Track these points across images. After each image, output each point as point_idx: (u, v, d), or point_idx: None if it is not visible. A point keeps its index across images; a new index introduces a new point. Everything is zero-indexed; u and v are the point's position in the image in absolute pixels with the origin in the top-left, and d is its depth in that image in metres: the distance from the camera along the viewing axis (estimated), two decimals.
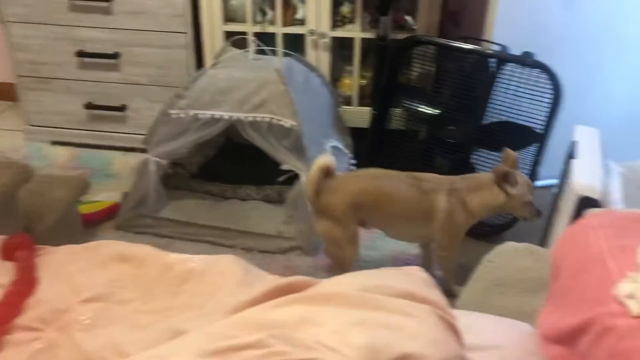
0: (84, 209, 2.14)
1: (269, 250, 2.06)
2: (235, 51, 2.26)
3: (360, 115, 2.55)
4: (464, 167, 2.21)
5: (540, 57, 2.09)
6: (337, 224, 1.72)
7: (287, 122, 1.99)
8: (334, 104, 2.44)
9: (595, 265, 0.78)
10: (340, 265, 1.83)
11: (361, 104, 2.60)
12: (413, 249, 2.10)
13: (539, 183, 2.22)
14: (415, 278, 0.83)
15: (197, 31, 2.50)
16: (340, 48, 2.63)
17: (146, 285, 0.99)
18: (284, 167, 2.01)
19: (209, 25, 2.46)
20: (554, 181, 2.49)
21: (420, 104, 2.25)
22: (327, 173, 1.72)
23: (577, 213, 1.27)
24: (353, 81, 2.55)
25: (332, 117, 2.40)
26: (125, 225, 2.15)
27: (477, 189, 1.74)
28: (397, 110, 2.39)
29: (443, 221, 1.73)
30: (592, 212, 0.94)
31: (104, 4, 2.43)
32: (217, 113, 2.04)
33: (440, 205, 1.72)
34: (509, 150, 1.78)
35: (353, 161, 2.38)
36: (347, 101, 2.61)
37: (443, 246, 1.82)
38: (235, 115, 2.03)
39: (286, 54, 2.36)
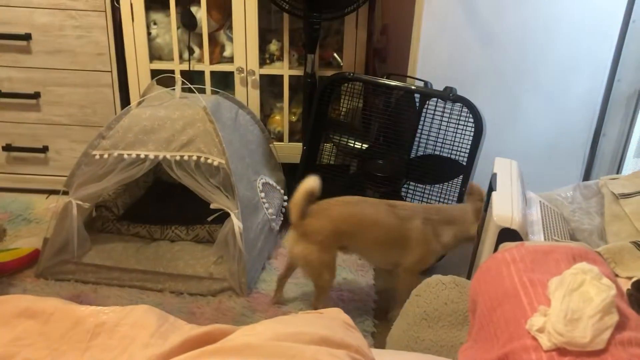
0: (1, 257, 2.02)
1: (200, 293, 2.00)
2: (161, 90, 2.22)
3: (292, 151, 2.56)
4: (394, 199, 2.24)
5: (463, 92, 2.17)
6: (318, 249, 1.72)
7: (215, 160, 1.95)
8: (265, 141, 2.43)
9: (509, 300, 0.79)
10: (318, 290, 1.83)
11: (292, 140, 2.61)
12: (347, 284, 2.09)
13: None
14: (334, 321, 0.81)
15: (124, 69, 2.45)
16: (270, 85, 2.65)
17: (54, 342, 0.92)
18: (213, 206, 1.97)
19: (134, 64, 2.42)
20: None
21: (350, 139, 2.28)
22: (310, 197, 1.72)
23: (498, 244, 1.30)
24: (283, 117, 2.56)
25: (263, 154, 2.39)
26: (46, 272, 2.04)
27: (451, 223, 1.78)
28: (328, 145, 2.41)
29: (417, 248, 1.76)
30: (505, 246, 0.96)
31: (22, 43, 2.35)
32: (143, 153, 1.98)
33: (415, 232, 1.75)
34: (473, 184, 1.86)
35: (285, 197, 2.37)
36: (279, 137, 2.61)
37: (412, 271, 1.80)
38: (162, 154, 1.98)
39: (214, 92, 2.34)
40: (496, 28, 2.29)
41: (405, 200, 2.24)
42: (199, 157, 1.96)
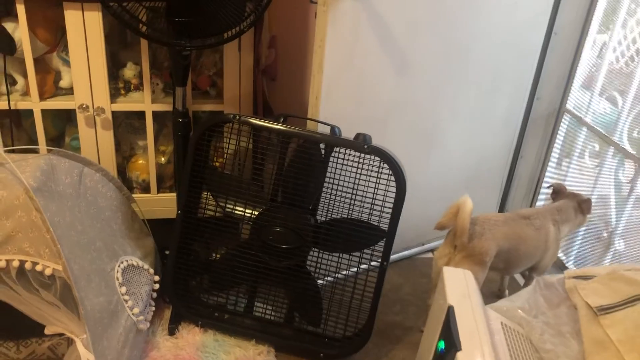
0: None
1: None
2: None
3: (163, 204, 2.01)
4: (298, 275, 1.78)
5: (374, 129, 1.73)
6: (482, 269, 1.73)
7: (48, 266, 1.36)
8: (124, 202, 1.83)
9: None
10: None
11: (162, 189, 2.04)
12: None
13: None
14: None
15: None
16: (129, 116, 2.04)
17: None
18: (49, 330, 1.39)
19: None
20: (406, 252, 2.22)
21: (238, 204, 1.75)
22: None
23: None
24: (149, 161, 1.97)
25: (122, 221, 1.80)
26: None
27: (566, 221, 1.92)
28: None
29: (552, 249, 1.90)
30: None
31: None
32: None
33: (552, 236, 1.88)
34: (555, 185, 2.02)
35: (157, 278, 1.81)
36: (144, 187, 2.03)
37: (546, 268, 1.93)
38: None
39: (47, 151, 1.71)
40: (411, 53, 1.86)
41: (310, 275, 1.79)
42: (22, 262, 1.36)
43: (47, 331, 1.39)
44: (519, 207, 2.51)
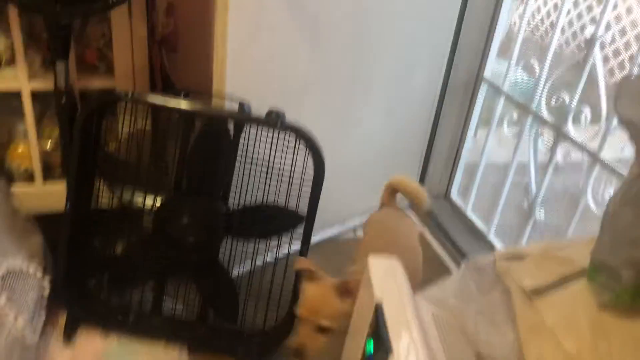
0: None
1: None
2: None
3: (52, 196, 1.75)
4: (210, 269, 1.61)
5: (287, 107, 1.56)
6: None
7: None
8: (2, 198, 1.58)
9: None
10: None
11: (50, 178, 1.78)
12: None
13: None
14: None
15: None
16: (4, 98, 1.76)
17: None
18: None
19: None
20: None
21: (136, 192, 1.55)
22: None
23: None
24: (31, 149, 1.71)
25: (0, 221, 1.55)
26: None
27: None
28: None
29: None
30: None
31: None
32: None
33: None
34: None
35: (46, 283, 1.58)
36: (28, 177, 1.77)
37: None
38: None
39: None
40: (323, 22, 1.70)
41: (224, 269, 1.62)
42: None
43: None
44: (439, 180, 2.46)
